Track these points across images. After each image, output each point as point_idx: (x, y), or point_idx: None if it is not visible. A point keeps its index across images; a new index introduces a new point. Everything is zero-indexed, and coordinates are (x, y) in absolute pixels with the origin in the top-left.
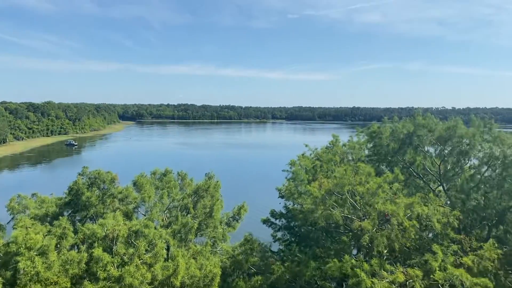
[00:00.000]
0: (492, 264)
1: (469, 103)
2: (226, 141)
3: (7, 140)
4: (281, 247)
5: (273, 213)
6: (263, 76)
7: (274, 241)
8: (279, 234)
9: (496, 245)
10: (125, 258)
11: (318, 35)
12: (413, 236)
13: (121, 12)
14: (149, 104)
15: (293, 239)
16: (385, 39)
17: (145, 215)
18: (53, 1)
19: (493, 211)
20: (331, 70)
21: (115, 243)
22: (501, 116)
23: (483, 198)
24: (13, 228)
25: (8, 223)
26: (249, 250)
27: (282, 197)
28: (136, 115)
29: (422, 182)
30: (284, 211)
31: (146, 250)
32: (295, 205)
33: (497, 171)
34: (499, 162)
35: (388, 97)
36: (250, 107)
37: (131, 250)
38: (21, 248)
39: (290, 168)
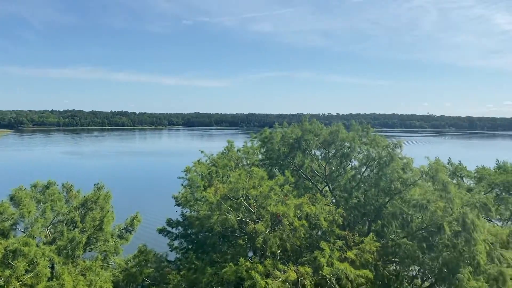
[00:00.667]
0: (372, 256)
1: (351, 109)
2: (118, 149)
3: None
4: (178, 256)
5: (169, 222)
6: (159, 81)
7: (171, 250)
8: (176, 243)
9: (375, 238)
10: (0, 281)
11: (212, 42)
12: (303, 235)
13: None
14: (29, 110)
15: (190, 246)
16: (277, 49)
17: (24, 232)
18: None
19: (371, 207)
20: (227, 77)
21: None
22: (379, 121)
23: (363, 196)
24: None
25: None
26: (143, 262)
27: (178, 205)
28: (14, 123)
29: (310, 183)
30: (181, 219)
31: (26, 271)
32: (192, 212)
33: (374, 171)
34: (375, 162)
35: (280, 104)
36: (145, 113)
37: (7, 272)
38: None
39: (186, 175)
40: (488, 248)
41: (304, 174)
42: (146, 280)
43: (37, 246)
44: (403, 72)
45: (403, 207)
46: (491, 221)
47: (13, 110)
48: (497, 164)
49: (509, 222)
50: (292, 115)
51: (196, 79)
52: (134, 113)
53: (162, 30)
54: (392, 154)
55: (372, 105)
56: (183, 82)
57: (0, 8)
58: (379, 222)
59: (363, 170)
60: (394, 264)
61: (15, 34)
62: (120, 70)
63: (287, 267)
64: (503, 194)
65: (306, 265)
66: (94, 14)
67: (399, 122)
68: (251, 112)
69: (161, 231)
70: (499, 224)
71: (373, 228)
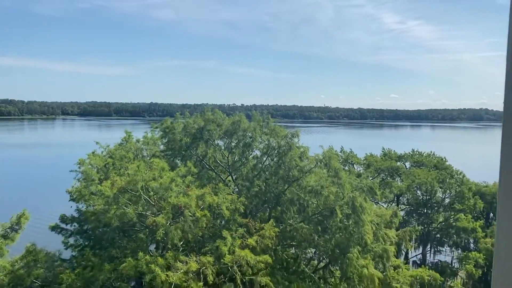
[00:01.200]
0: (271, 241)
1: (256, 100)
2: (2, 141)
3: None
4: (74, 253)
5: (63, 218)
6: (50, 67)
7: (66, 248)
8: (71, 240)
9: (275, 224)
10: None
11: (112, 28)
12: (205, 225)
13: None
14: None
15: (86, 243)
16: (180, 37)
17: None
18: None
19: (272, 195)
20: (127, 64)
21: None
22: (280, 112)
23: (264, 184)
24: None
25: None
26: (32, 262)
27: (73, 200)
28: None
29: (213, 173)
30: (76, 215)
31: None
32: (88, 207)
33: (274, 160)
34: (275, 152)
35: (185, 94)
36: (35, 101)
37: None
38: None
39: (80, 168)
40: (374, 228)
41: (207, 164)
42: (36, 282)
43: None
44: (302, 65)
45: (300, 193)
46: (378, 203)
47: None
48: (383, 151)
49: (393, 204)
50: (197, 105)
51: (93, 66)
52: (22, 102)
53: (54, 13)
54: (290, 143)
55: (275, 97)
56: (79, 68)
57: None
58: (279, 208)
59: (264, 159)
60: (293, 248)
61: None
62: (4, 54)
63: (189, 258)
64: (388, 178)
65: (208, 255)
66: None
67: (299, 114)
68: (154, 102)
69: (54, 228)
70: (384, 206)
71: (273, 214)
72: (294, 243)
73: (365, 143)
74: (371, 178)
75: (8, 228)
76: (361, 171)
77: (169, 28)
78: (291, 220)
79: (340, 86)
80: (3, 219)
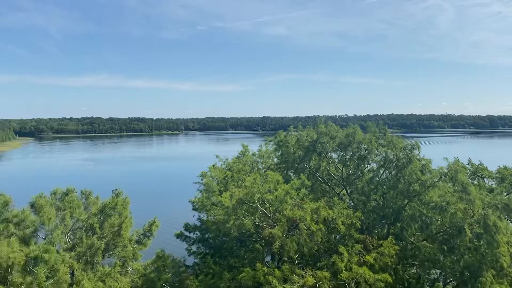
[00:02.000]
0: (391, 259)
1: (369, 110)
2: (136, 154)
3: None
4: (196, 260)
5: (187, 227)
6: (175, 87)
7: (189, 255)
8: (193, 248)
9: (394, 241)
10: (23, 287)
11: (227, 47)
12: (320, 239)
13: (14, 20)
14: (49, 118)
15: (207, 251)
16: (291, 51)
17: (45, 239)
18: None
19: (390, 210)
20: (241, 81)
21: (10, 272)
22: (396, 121)
23: (381, 198)
24: None
25: None
26: (161, 267)
27: (195, 209)
28: (35, 131)
29: (327, 186)
30: (198, 224)
31: (47, 277)
32: (209, 217)
33: (392, 173)
34: (393, 164)
35: (296, 106)
36: (162, 118)
37: (29, 279)
38: None
39: (202, 179)
40: (511, 250)
41: (320, 177)
42: (165, 286)
43: (57, 252)
44: (420, 71)
45: (422, 209)
46: None
47: (33, 119)
48: None
49: None
50: (308, 117)
51: (211, 84)
52: (152, 119)
53: (178, 36)
54: (410, 155)
55: (390, 106)
56: (198, 87)
57: (20, 19)
58: (398, 225)
59: (381, 172)
60: (414, 268)
61: (35, 44)
62: (137, 77)
63: (305, 272)
64: None
65: (324, 270)
66: (110, 22)
67: (417, 123)
68: (266, 115)
69: (179, 236)
70: None
71: (392, 231)
72: (416, 263)
73: (497, 154)
74: (505, 194)
75: (141, 234)
76: (494, 186)
77: (280, 43)
78: (413, 238)
79: (464, 92)
80: (136, 226)
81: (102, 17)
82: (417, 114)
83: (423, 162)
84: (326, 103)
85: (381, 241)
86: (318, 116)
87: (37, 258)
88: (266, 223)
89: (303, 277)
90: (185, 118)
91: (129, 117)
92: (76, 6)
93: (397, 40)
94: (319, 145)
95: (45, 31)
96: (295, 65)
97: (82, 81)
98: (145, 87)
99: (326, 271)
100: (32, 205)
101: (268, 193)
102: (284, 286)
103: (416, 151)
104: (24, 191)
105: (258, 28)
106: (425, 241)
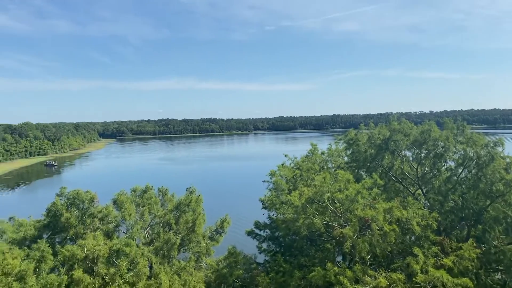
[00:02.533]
0: (472, 263)
1: (446, 106)
2: (208, 154)
3: None
4: (266, 258)
5: (257, 224)
6: (243, 88)
7: (260, 253)
8: (264, 245)
9: (475, 244)
10: (106, 278)
11: (295, 46)
12: (394, 240)
13: (98, 30)
14: (129, 121)
15: (277, 249)
16: (362, 47)
17: (126, 234)
18: (28, 21)
19: (470, 211)
20: (310, 79)
21: (96, 263)
22: (477, 117)
23: (460, 199)
24: None
25: None
26: (233, 263)
27: (265, 207)
28: (116, 132)
29: (401, 186)
30: (268, 222)
31: (128, 269)
32: (278, 215)
33: (472, 171)
34: (473, 163)
35: (367, 104)
36: (232, 119)
37: (112, 270)
38: None
39: (271, 178)
40: None
41: (393, 176)
42: (237, 281)
43: (137, 246)
44: (504, 63)
45: (507, 211)
46: None
47: (115, 121)
48: None
49: None
50: (380, 114)
51: (279, 83)
52: (222, 120)
53: (246, 38)
54: (492, 153)
55: (469, 101)
56: (267, 87)
57: (103, 28)
58: (480, 227)
59: (459, 171)
60: (499, 273)
61: (116, 52)
62: (208, 79)
63: (378, 273)
64: None
65: (398, 272)
66: (182, 27)
67: (502, 118)
68: (336, 114)
69: (250, 233)
70: None
71: (472, 233)
72: (501, 268)
73: None
74: None
75: (214, 231)
76: None
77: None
78: (496, 241)
79: None
80: (209, 222)
81: (175, 23)
82: (501, 109)
83: (507, 160)
84: (399, 100)
85: (460, 244)
86: (391, 113)
87: (119, 251)
88: (336, 222)
89: (375, 278)
90: (254, 118)
91: (201, 118)
92: (152, 14)
93: (477, 31)
94: (392, 143)
95: (125, 39)
96: (366, 61)
97: (158, 84)
98: (215, 88)
99: (400, 273)
100: (115, 202)
101: (339, 192)
102: (356, 286)
103: (500, 149)
104: (107, 188)
105: (327, 25)
106: (511, 245)
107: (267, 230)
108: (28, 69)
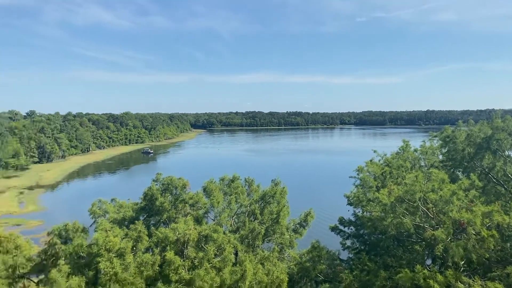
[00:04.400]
0: None
1: None
2: (293, 147)
3: (90, 149)
4: (350, 255)
5: (341, 221)
6: (331, 81)
7: (343, 249)
8: (348, 242)
9: None
10: (195, 261)
11: (388, 38)
12: (493, 247)
13: (193, 25)
14: (218, 113)
15: (362, 247)
16: (461, 39)
17: (214, 220)
18: (129, 18)
19: None
20: (403, 73)
21: (186, 247)
22: None
23: None
24: (95, 231)
25: (90, 226)
26: (316, 257)
27: (350, 204)
28: (207, 124)
29: (503, 189)
30: (353, 219)
31: (215, 255)
32: (364, 213)
33: None
34: None
35: (465, 99)
36: (318, 113)
37: (201, 254)
38: (102, 249)
39: (358, 174)
40: None
41: (494, 178)
42: (319, 276)
43: (223, 233)
44: None
45: None
46: None
47: (206, 113)
48: None
49: None
50: (480, 111)
51: (369, 77)
52: (308, 113)
53: (336, 30)
54: None
55: None
56: (356, 80)
57: (197, 24)
58: None
59: None
60: None
61: (209, 46)
62: (295, 73)
63: (473, 280)
64: None
65: (496, 281)
66: (274, 21)
67: None
68: (430, 109)
69: (333, 229)
70: None
71: None
72: None
73: None
74: None
75: (298, 224)
76: None
77: (448, 30)
78: None
79: None
80: (293, 215)
81: (266, 17)
82: None
83: None
84: (504, 95)
85: None
86: (493, 109)
87: (208, 237)
88: (428, 224)
89: (469, 286)
90: (340, 112)
91: (287, 111)
92: (244, 8)
93: None
94: (495, 142)
95: (217, 33)
96: (465, 53)
97: (247, 78)
98: (302, 82)
99: (499, 283)
100: (204, 189)
101: (432, 193)
102: None
103: None
104: (197, 176)
105: (423, 15)
106: None
107: (352, 227)
108: (130, 63)
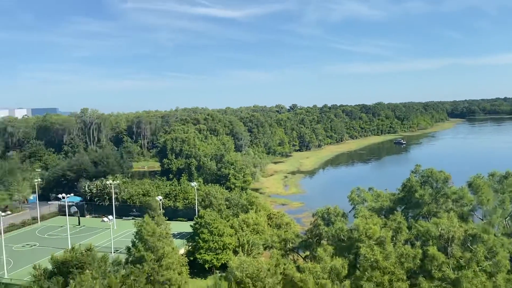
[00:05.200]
0: None
1: None
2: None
3: (344, 139)
4: None
5: None
6: None
7: None
8: None
9: None
10: (461, 261)
11: None
12: None
13: (451, 5)
14: (481, 99)
15: None
16: None
17: (482, 220)
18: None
19: None
20: None
21: (450, 244)
22: None
23: None
24: (354, 217)
25: (349, 212)
26: None
27: None
28: (466, 112)
29: None
30: None
31: (486, 257)
32: None
33: None
34: None
35: None
36: None
37: (467, 255)
38: (362, 236)
39: None
40: None
41: None
42: None
43: (495, 235)
44: None
45: None
46: None
47: (465, 100)
48: None
49: None
50: None
51: None
52: None
53: None
54: None
55: None
56: None
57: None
58: None
59: None
60: None
61: (469, 25)
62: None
63: None
64: None
65: None
66: None
67: None
68: None
69: None
70: None
71: None
72: None
73: None
74: None
75: None
76: None
77: None
78: None
79: None
80: None
81: None
82: None
83: None
84: None
85: None
86: None
87: (476, 237)
88: None
89: None
90: None
91: None
92: None
93: None
94: None
95: (480, 10)
96: None
97: None
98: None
99: None
100: (470, 185)
101: None
102: None
103: None
104: (456, 169)
105: None
106: None
107: None
108: (384, 53)
